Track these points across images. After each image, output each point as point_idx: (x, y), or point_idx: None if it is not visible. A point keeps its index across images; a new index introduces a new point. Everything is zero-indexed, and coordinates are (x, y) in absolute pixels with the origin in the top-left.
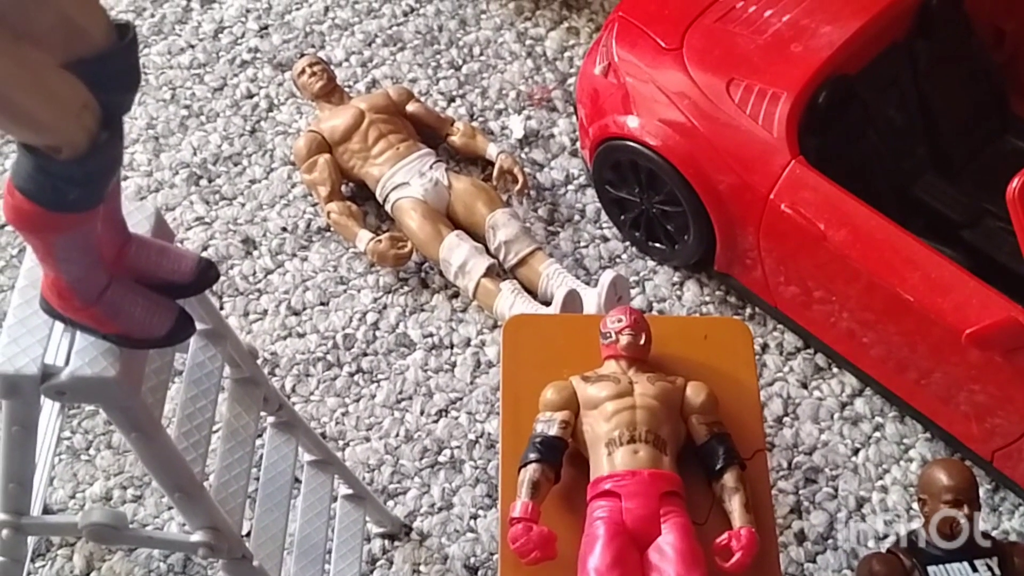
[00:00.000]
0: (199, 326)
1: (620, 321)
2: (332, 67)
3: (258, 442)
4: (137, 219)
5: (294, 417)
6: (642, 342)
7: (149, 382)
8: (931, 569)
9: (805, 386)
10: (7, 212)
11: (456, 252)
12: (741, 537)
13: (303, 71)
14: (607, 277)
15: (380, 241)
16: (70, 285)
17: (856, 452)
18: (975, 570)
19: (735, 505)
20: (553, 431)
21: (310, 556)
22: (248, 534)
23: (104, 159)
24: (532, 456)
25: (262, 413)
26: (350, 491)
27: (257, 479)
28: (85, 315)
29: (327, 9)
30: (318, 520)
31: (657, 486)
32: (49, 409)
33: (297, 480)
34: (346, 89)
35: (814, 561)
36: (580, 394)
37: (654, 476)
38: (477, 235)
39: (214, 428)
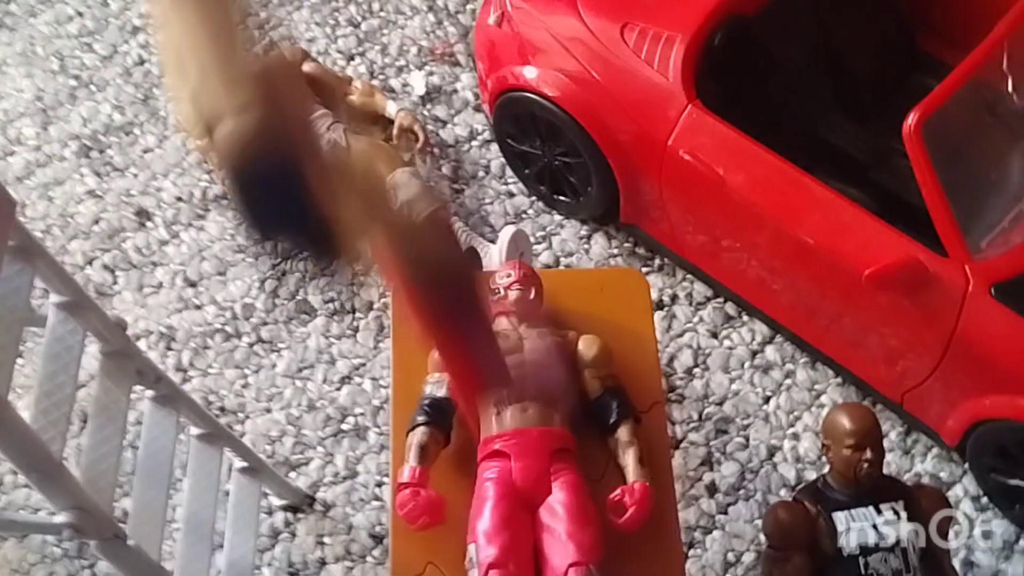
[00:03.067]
0: (56, 299)
1: (509, 276)
2: None
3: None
4: None
5: (174, 390)
6: (531, 297)
7: None
8: (836, 515)
9: (715, 336)
10: None
11: None
12: (634, 492)
13: None
14: (507, 233)
15: None
16: None
17: (767, 400)
18: (880, 513)
19: (629, 459)
20: (441, 392)
21: (199, 532)
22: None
23: None
24: (420, 419)
25: (140, 388)
26: (244, 464)
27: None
28: None
29: None
30: (206, 496)
31: (547, 444)
32: None
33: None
34: None
35: (725, 512)
36: None
37: (543, 434)
38: None
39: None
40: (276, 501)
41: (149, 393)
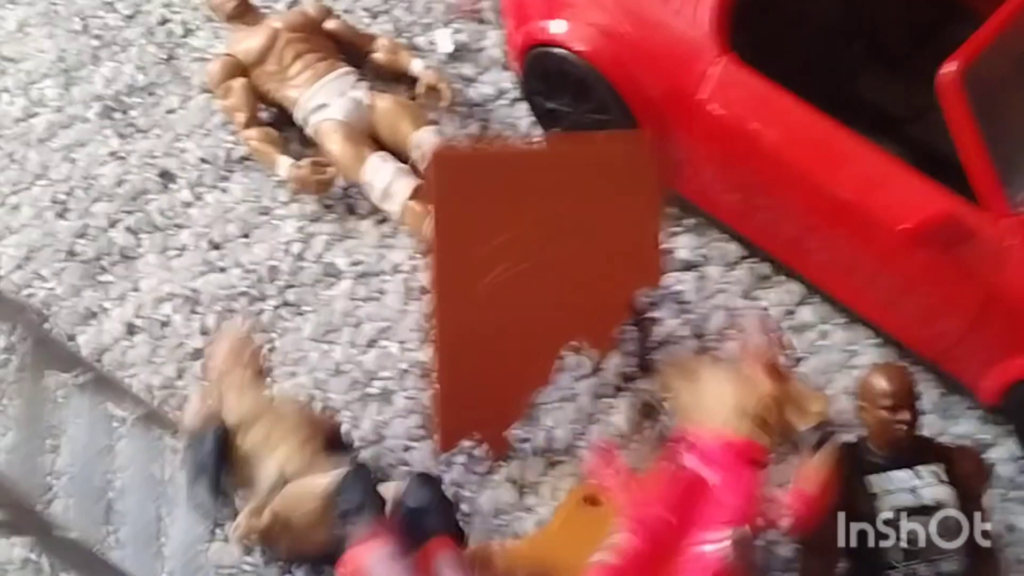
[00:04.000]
0: None
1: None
2: None
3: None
4: None
5: (97, 375)
6: None
7: None
8: (872, 478)
9: (748, 296)
10: None
11: (380, 175)
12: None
13: None
14: None
15: (301, 167)
16: None
17: (800, 362)
18: (918, 476)
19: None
20: None
21: (142, 518)
22: None
23: None
24: None
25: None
26: None
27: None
28: None
29: None
30: (145, 480)
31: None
32: None
33: None
34: (266, 10)
35: None
36: None
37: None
38: (404, 156)
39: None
40: None
41: (76, 380)
